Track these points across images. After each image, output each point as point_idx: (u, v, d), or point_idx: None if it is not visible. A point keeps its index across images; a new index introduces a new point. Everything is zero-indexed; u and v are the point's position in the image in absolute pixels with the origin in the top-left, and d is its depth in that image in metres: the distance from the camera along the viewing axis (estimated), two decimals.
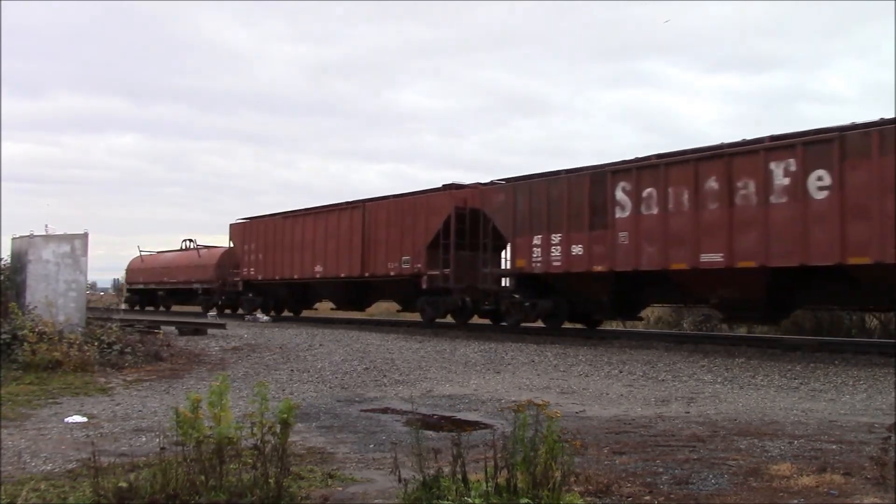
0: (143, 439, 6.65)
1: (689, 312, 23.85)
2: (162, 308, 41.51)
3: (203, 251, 35.85)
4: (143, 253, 41.71)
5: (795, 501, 4.34)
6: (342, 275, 24.47)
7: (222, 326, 20.68)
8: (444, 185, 21.76)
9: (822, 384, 10.41)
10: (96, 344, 12.64)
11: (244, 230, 29.99)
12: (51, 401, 8.97)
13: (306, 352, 15.05)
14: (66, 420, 7.65)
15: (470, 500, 3.91)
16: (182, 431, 4.15)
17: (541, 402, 4.22)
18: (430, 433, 6.90)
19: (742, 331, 20.87)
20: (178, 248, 39.49)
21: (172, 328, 19.46)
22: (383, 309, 31.75)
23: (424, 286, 21.33)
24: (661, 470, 5.13)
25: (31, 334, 11.76)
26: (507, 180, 19.56)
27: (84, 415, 7.95)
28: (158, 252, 41.50)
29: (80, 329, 13.45)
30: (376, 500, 4.58)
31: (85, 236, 14.69)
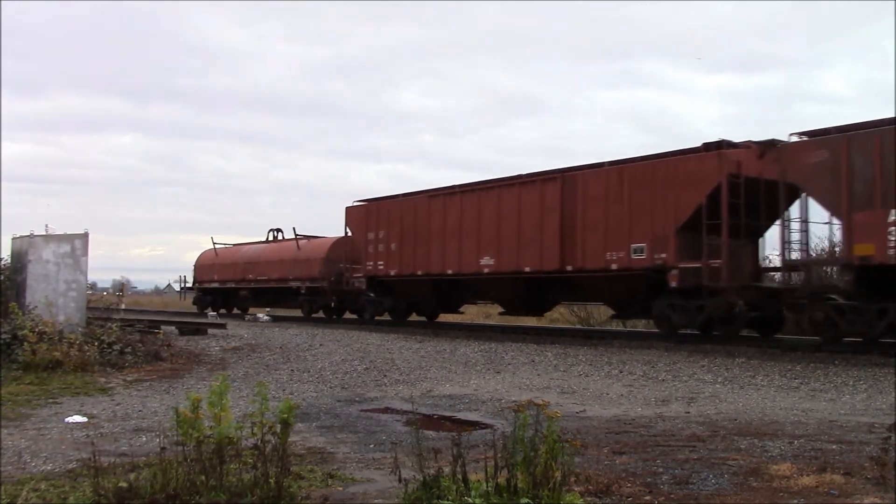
0: (143, 439, 6.65)
1: None
2: (234, 310, 34.25)
3: (303, 242, 29.40)
4: (217, 246, 35.14)
5: (795, 501, 4.34)
6: (526, 269, 18.48)
7: (222, 326, 20.68)
8: (705, 144, 15.87)
9: (822, 384, 10.40)
10: (96, 344, 12.64)
11: (367, 214, 24.07)
12: (51, 401, 8.97)
13: (306, 352, 15.05)
14: (66, 420, 7.65)
15: (470, 500, 3.91)
16: (182, 431, 4.15)
17: (541, 402, 4.21)
18: (431, 433, 6.90)
19: (742, 330, 20.82)
20: (264, 239, 33.32)
21: (172, 328, 19.47)
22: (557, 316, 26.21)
23: (674, 283, 15.72)
24: (661, 470, 5.13)
25: (31, 334, 11.76)
26: (813, 134, 13.85)
27: (84, 415, 7.95)
28: (237, 244, 35.50)
29: (80, 329, 13.45)
30: (376, 500, 4.58)
31: (85, 236, 14.69)
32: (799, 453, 5.64)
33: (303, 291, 27.94)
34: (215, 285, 33.90)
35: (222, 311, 33.66)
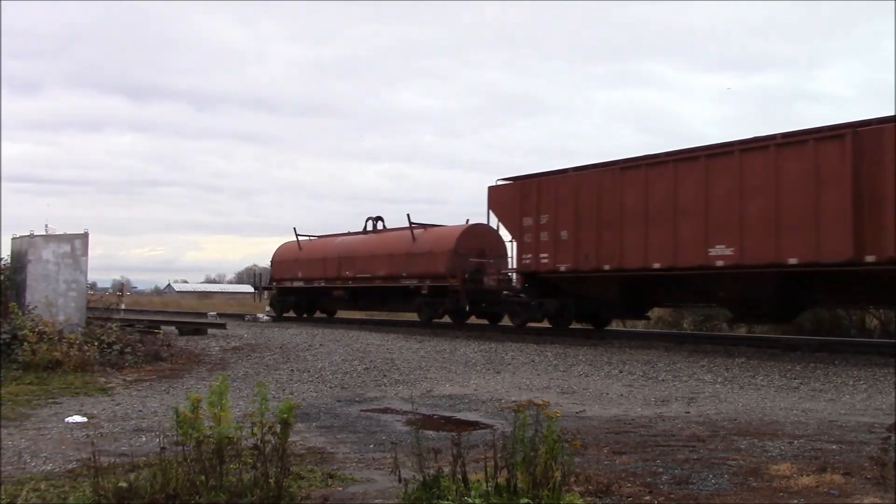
0: (143, 439, 6.65)
1: (689, 312, 23.69)
2: (314, 313, 29.11)
3: (419, 232, 23.94)
4: (301, 238, 29.26)
5: (795, 501, 4.34)
6: (791, 260, 13.53)
7: (222, 326, 20.69)
8: None
9: (822, 384, 10.41)
10: (96, 344, 12.64)
11: (522, 195, 18.80)
12: (51, 401, 8.97)
13: (306, 352, 15.05)
14: (66, 420, 7.65)
15: (470, 500, 3.91)
16: (182, 431, 4.15)
17: (541, 402, 4.21)
18: (430, 433, 6.90)
19: (742, 331, 20.86)
20: (362, 229, 27.52)
21: (172, 328, 19.47)
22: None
23: None
24: (661, 470, 5.13)
25: (31, 334, 11.76)
26: None
27: (84, 415, 7.95)
28: (326, 236, 29.38)
29: (80, 329, 13.45)
30: (376, 500, 4.58)
31: (85, 236, 14.69)
32: (799, 453, 5.63)
33: (423, 292, 22.59)
34: (299, 284, 28.29)
35: (303, 315, 29.02)
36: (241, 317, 29.27)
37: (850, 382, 10.40)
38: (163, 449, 4.21)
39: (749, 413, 7.98)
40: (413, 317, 24.71)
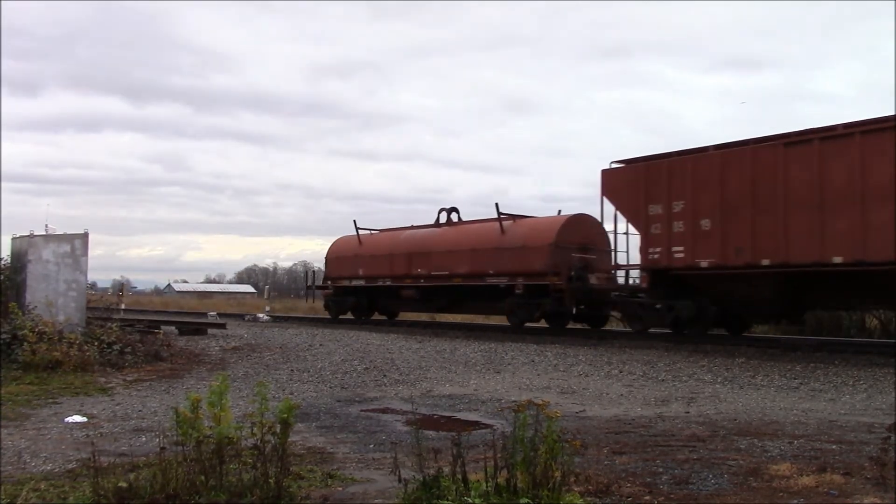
0: (143, 439, 6.65)
1: None
2: (366, 316, 26.49)
3: (509, 223, 21.16)
4: (362, 232, 26.47)
5: (795, 501, 4.34)
6: None
7: (222, 326, 20.70)
8: None
9: (822, 384, 10.41)
10: (96, 344, 12.65)
11: (648, 179, 16.26)
12: (51, 401, 8.97)
13: (306, 352, 15.05)
14: (66, 420, 7.65)
15: (470, 500, 3.91)
16: (182, 431, 4.15)
17: (541, 402, 4.21)
18: (430, 433, 6.91)
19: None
20: (434, 221, 24.49)
21: (172, 328, 19.47)
22: None
23: None
24: (661, 470, 5.13)
25: (31, 334, 11.76)
26: None
27: (84, 415, 7.95)
28: (390, 230, 26.58)
29: (80, 329, 13.46)
30: (376, 500, 4.58)
31: (85, 236, 14.69)
32: (799, 453, 5.63)
33: (518, 291, 20.02)
34: (359, 283, 25.58)
35: (363, 317, 26.37)
36: (241, 317, 29.27)
37: (850, 382, 10.40)
38: (163, 449, 4.21)
39: (749, 413, 7.98)
40: (498, 320, 22.94)
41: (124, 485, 4.12)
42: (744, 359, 13.19)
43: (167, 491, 3.98)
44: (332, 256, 27.29)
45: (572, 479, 4.43)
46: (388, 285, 24.54)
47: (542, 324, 20.99)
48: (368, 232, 26.70)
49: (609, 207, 17.23)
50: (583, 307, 20.08)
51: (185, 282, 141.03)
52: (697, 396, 9.50)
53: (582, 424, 7.25)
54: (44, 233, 14.88)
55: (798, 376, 11.17)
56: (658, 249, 15.86)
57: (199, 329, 19.23)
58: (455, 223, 23.88)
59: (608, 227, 17.80)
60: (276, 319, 27.81)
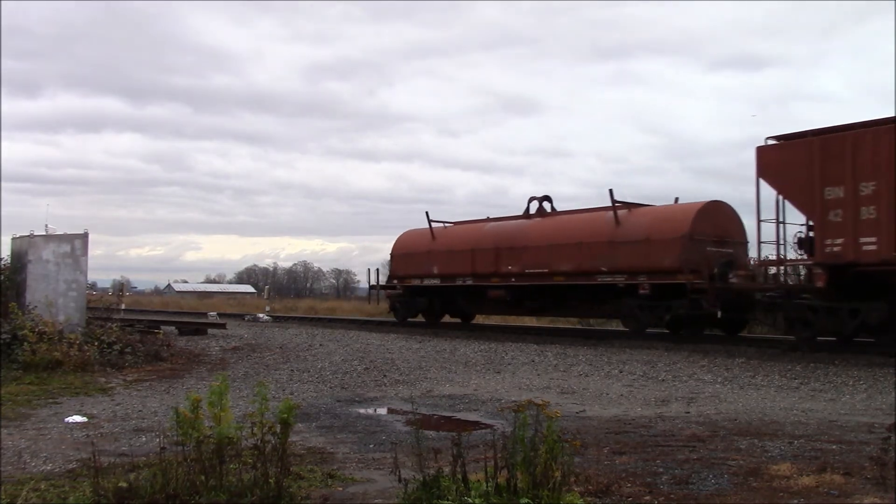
0: (143, 439, 6.66)
1: None
2: (444, 319, 24.07)
3: (625, 213, 18.26)
4: (435, 224, 23.49)
5: (795, 501, 4.34)
6: None
7: (222, 326, 20.69)
8: None
9: (822, 384, 10.41)
10: (96, 344, 12.65)
11: (824, 155, 13.44)
12: (51, 401, 8.97)
13: (306, 352, 15.05)
14: (66, 420, 7.65)
15: (470, 500, 3.91)
16: (182, 431, 4.15)
17: (541, 402, 4.21)
18: (430, 433, 6.90)
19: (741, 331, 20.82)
20: (524, 212, 21.54)
21: (172, 328, 19.48)
22: None
23: None
24: (661, 470, 5.13)
25: (31, 334, 11.77)
26: None
27: (84, 415, 7.95)
28: (469, 222, 23.70)
29: (80, 329, 13.46)
30: (376, 500, 4.58)
31: (85, 236, 14.70)
32: (799, 453, 5.64)
33: (643, 292, 17.02)
34: (433, 282, 22.70)
35: (437, 320, 23.81)
36: (241, 317, 29.26)
37: (850, 382, 10.40)
38: (163, 449, 4.21)
39: (749, 413, 7.98)
40: (616, 324, 20.34)
41: (124, 485, 4.12)
42: (744, 359, 13.19)
43: (167, 491, 3.99)
44: (400, 253, 24.19)
45: (572, 479, 4.43)
46: (470, 285, 21.58)
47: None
48: (442, 225, 23.65)
49: (767, 192, 14.22)
50: (725, 310, 16.30)
51: (185, 282, 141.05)
52: (697, 396, 9.50)
53: (582, 424, 7.25)
54: (44, 233, 14.89)
55: (798, 376, 11.17)
56: (839, 241, 13.11)
57: (199, 329, 19.23)
58: (549, 213, 20.94)
59: (762, 215, 14.36)
60: (276, 319, 27.81)
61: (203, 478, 4.05)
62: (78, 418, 7.72)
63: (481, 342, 17.20)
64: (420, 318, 24.11)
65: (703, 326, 17.21)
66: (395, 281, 24.29)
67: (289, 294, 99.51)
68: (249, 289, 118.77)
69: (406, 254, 23.91)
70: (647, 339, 16.74)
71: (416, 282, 23.30)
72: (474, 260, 21.36)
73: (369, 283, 25.96)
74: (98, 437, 6.58)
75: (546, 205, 21.21)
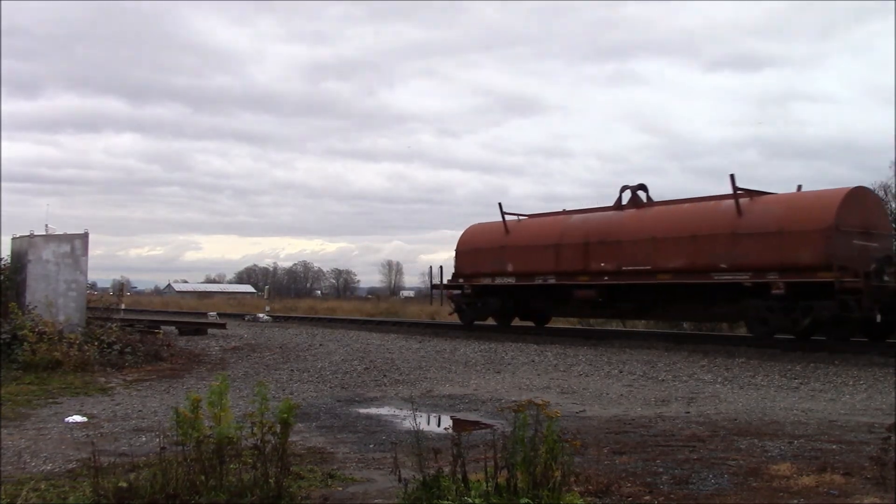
0: (143, 439, 6.66)
1: None
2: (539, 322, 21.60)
3: (746, 202, 15.80)
4: (508, 217, 21.08)
5: (795, 501, 4.34)
6: None
7: (222, 326, 20.70)
8: None
9: (822, 384, 10.41)
10: (96, 344, 12.65)
11: None
12: (51, 401, 8.98)
13: (306, 352, 15.05)
14: (66, 420, 7.65)
15: (470, 500, 3.91)
16: (182, 431, 4.15)
17: (541, 402, 4.21)
18: (431, 433, 6.90)
19: (742, 331, 20.84)
20: (615, 202, 19.01)
21: (172, 328, 19.48)
22: None
23: None
24: (661, 470, 5.13)
25: (31, 334, 11.77)
26: None
27: (84, 415, 7.95)
28: (548, 214, 21.14)
29: (80, 329, 13.46)
30: (376, 500, 4.58)
31: (85, 236, 14.70)
32: (799, 453, 5.64)
33: (777, 291, 14.70)
34: (506, 281, 20.30)
35: (507, 322, 21.43)
36: (241, 317, 29.27)
37: (850, 382, 10.40)
38: (163, 449, 4.21)
39: (749, 413, 7.98)
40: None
41: (124, 485, 4.12)
42: (744, 359, 13.19)
43: (167, 491, 3.99)
44: (466, 249, 21.70)
45: (572, 479, 4.43)
46: (552, 284, 19.13)
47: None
48: (515, 218, 21.20)
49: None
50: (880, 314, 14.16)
51: (185, 282, 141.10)
52: (697, 396, 9.50)
53: (582, 424, 7.25)
54: (44, 233, 14.89)
55: (798, 376, 11.17)
56: None
57: (199, 329, 19.24)
58: (647, 204, 18.43)
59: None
60: (275, 319, 27.82)
61: (203, 478, 4.05)
62: (78, 418, 7.72)
63: (481, 342, 17.20)
64: (480, 321, 21.95)
65: (849, 331, 14.74)
66: (461, 280, 21.71)
67: (289, 294, 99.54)
68: (249, 289, 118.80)
69: (474, 250, 21.40)
70: (647, 339, 16.74)
71: (486, 281, 20.82)
72: (558, 256, 18.92)
73: (430, 282, 23.54)
74: (98, 437, 6.58)
75: (641, 194, 18.62)
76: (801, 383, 10.53)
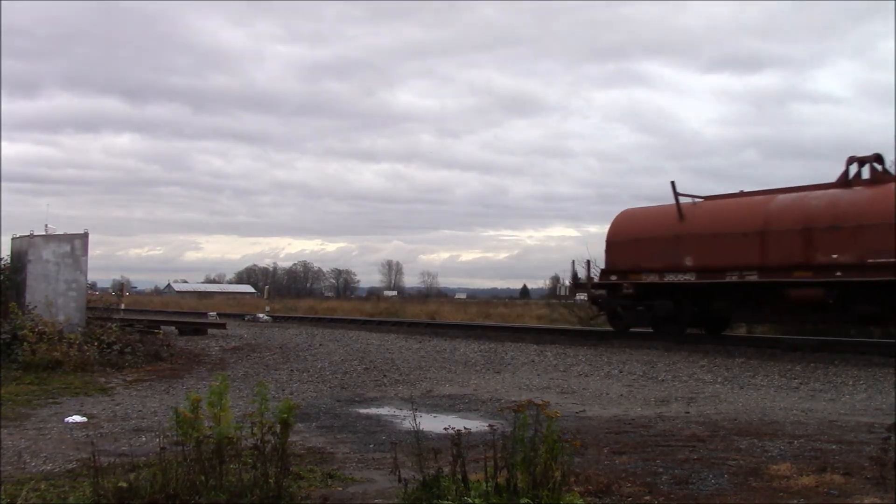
0: (143, 439, 6.66)
1: None
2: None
3: None
4: (682, 199, 16.93)
5: (795, 501, 4.34)
6: None
7: (222, 326, 20.69)
8: None
9: (822, 384, 10.41)
10: (96, 344, 12.65)
11: None
12: (51, 401, 8.97)
13: (306, 352, 15.05)
14: (66, 420, 7.65)
15: (470, 500, 3.91)
16: (182, 431, 4.15)
17: (541, 402, 4.21)
18: (430, 433, 6.90)
19: (742, 331, 20.83)
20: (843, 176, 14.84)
21: (172, 328, 19.47)
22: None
23: None
24: (661, 470, 5.13)
25: (30, 334, 11.77)
26: None
27: (84, 415, 7.95)
28: (739, 194, 16.84)
29: (80, 329, 13.46)
30: (376, 500, 4.58)
31: (85, 236, 14.70)
32: (799, 453, 5.63)
33: None
34: (683, 278, 16.17)
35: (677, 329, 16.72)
36: (241, 317, 29.26)
37: (850, 382, 10.40)
38: (163, 449, 4.21)
39: (749, 413, 7.98)
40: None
41: (124, 485, 4.12)
42: (744, 359, 13.19)
43: (167, 491, 3.99)
44: (623, 239, 17.72)
45: (572, 479, 4.43)
46: (754, 281, 15.11)
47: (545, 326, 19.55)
48: (690, 200, 17.02)
49: None
50: None
51: (185, 282, 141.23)
52: (697, 396, 9.50)
53: (582, 424, 7.25)
54: (44, 233, 14.89)
55: (798, 376, 11.17)
56: None
57: (199, 329, 19.23)
58: (888, 178, 14.59)
59: None
60: (275, 319, 27.81)
61: (203, 478, 4.05)
62: (78, 418, 7.72)
63: (481, 342, 17.19)
64: (638, 327, 17.72)
65: None
66: (614, 277, 17.64)
67: (289, 294, 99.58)
68: (249, 289, 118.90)
69: (633, 240, 17.37)
70: (647, 338, 16.74)
71: (653, 278, 16.68)
72: (764, 246, 14.95)
73: (574, 279, 19.37)
74: (98, 437, 6.58)
75: (877, 167, 14.88)
76: (801, 383, 10.53)
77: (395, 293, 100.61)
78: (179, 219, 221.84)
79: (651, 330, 17.23)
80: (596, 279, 18.31)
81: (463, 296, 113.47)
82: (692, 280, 16.06)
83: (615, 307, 17.72)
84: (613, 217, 18.53)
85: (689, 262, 16.15)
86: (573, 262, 19.59)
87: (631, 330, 17.64)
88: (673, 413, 8.10)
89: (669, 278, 16.42)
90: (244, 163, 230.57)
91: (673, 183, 16.76)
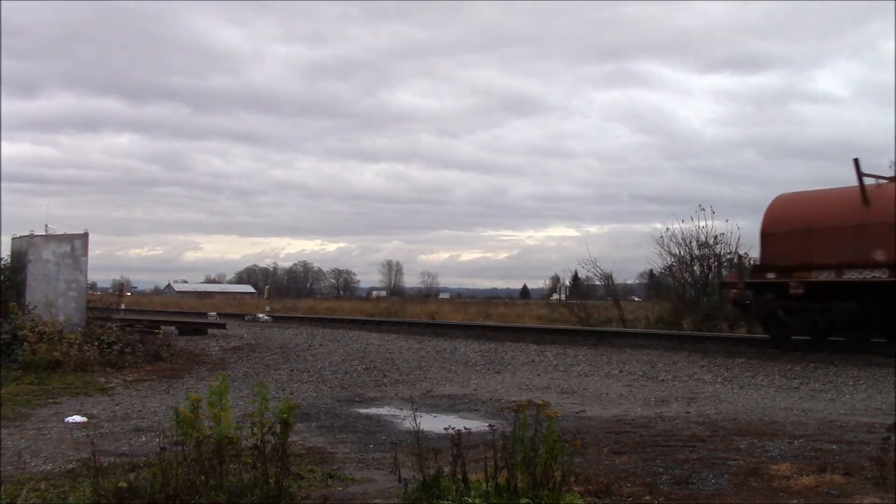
0: (143, 439, 6.66)
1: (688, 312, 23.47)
2: None
3: None
4: (867, 180, 13.69)
5: (795, 501, 4.34)
6: None
7: (222, 326, 20.69)
8: None
9: (822, 384, 10.41)
10: (96, 344, 12.65)
11: None
12: (51, 401, 8.98)
13: (306, 352, 15.05)
14: (66, 420, 7.65)
15: (470, 500, 3.91)
16: (182, 431, 4.15)
17: (541, 402, 4.21)
18: (430, 433, 6.90)
19: (742, 331, 20.84)
20: None
21: (172, 328, 19.47)
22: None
23: None
24: (661, 470, 5.13)
25: (30, 334, 11.77)
26: None
27: (84, 415, 7.96)
28: None
29: (80, 329, 13.46)
30: (376, 500, 4.58)
31: (85, 236, 14.70)
32: (799, 453, 5.63)
33: None
34: (871, 275, 13.12)
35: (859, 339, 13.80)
36: (241, 317, 29.27)
37: (850, 382, 10.40)
38: (163, 449, 4.21)
39: (749, 413, 7.98)
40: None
41: (124, 485, 4.12)
42: (744, 359, 13.19)
43: (167, 491, 3.98)
44: (785, 229, 14.67)
45: (572, 479, 4.44)
46: None
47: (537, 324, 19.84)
48: (874, 181, 13.88)
49: None
50: None
51: (185, 282, 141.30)
52: (697, 396, 9.50)
53: (582, 424, 7.25)
54: (44, 233, 14.89)
55: (798, 376, 11.17)
56: None
57: (199, 329, 19.24)
58: None
59: None
60: (275, 319, 27.81)
61: (203, 478, 4.05)
62: (78, 418, 7.72)
63: (481, 342, 17.19)
64: (803, 336, 14.22)
65: None
66: (772, 275, 14.49)
67: (289, 294, 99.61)
68: (249, 289, 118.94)
69: (800, 230, 14.35)
70: (647, 338, 16.75)
71: (826, 275, 13.71)
72: None
73: (719, 279, 17.23)
74: (98, 437, 6.58)
75: None
76: (801, 383, 10.53)
77: (383, 293, 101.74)
78: (179, 219, 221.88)
79: (814, 339, 14.00)
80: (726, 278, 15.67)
81: (446, 295, 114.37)
82: (883, 278, 12.97)
83: (775, 310, 14.38)
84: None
85: (880, 256, 13.12)
86: (737, 253, 15.89)
87: (793, 338, 14.37)
88: (673, 413, 8.10)
89: (851, 276, 13.41)
90: (244, 163, 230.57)
91: (856, 160, 13.62)
